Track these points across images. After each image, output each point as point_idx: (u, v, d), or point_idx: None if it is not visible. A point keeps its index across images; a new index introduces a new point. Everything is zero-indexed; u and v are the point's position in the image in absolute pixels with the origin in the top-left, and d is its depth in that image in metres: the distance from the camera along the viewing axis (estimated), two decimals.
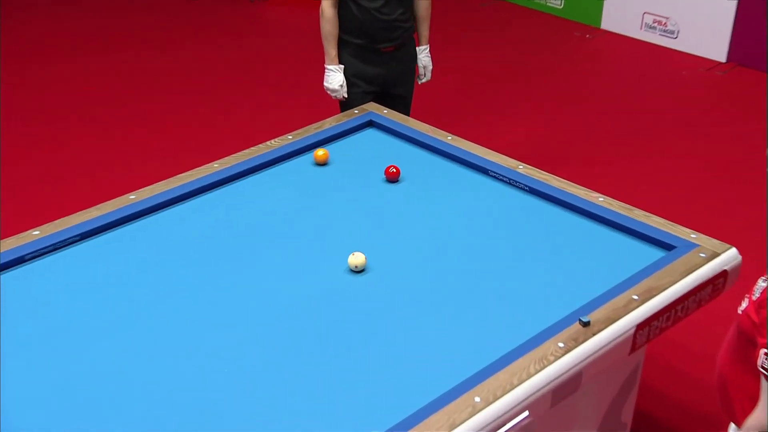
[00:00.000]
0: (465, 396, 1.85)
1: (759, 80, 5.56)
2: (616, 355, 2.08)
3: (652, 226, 2.44)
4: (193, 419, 1.85)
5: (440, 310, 2.16)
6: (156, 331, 2.10)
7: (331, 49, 3.38)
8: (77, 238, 2.46)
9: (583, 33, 6.43)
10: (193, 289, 2.26)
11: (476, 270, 2.32)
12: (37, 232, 2.44)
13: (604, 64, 6.01)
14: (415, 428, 1.77)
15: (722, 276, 2.29)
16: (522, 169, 2.76)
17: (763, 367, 1.81)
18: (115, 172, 4.59)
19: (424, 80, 3.64)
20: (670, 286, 2.19)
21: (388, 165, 2.78)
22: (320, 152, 2.85)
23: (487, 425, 1.81)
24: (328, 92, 3.45)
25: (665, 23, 6.07)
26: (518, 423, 1.85)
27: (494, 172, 2.76)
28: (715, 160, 4.65)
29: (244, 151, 2.92)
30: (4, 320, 2.11)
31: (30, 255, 2.36)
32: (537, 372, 1.92)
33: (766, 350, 1.80)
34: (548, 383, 1.92)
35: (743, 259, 2.35)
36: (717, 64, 5.82)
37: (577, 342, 2.00)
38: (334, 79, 3.40)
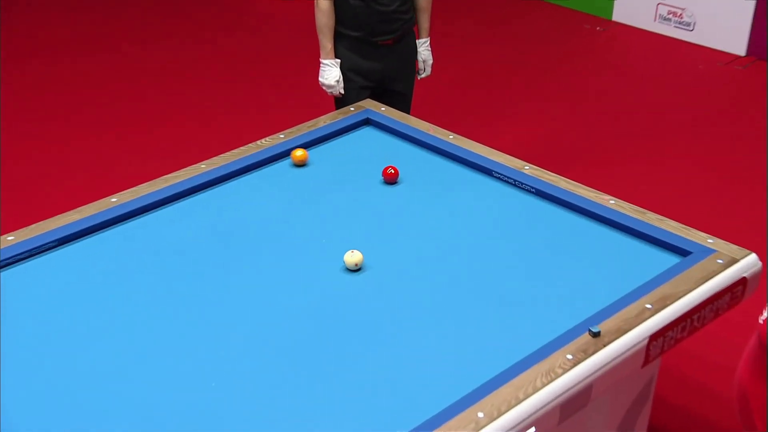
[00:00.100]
0: (467, 411, 1.85)
1: None
2: (629, 368, 2.08)
3: (666, 231, 2.44)
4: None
5: (442, 319, 2.16)
6: (137, 343, 2.10)
7: (326, 43, 3.38)
8: (54, 243, 2.45)
9: (593, 25, 6.43)
10: (178, 298, 2.25)
11: (479, 277, 2.32)
12: (11, 238, 2.44)
13: (616, 58, 6.01)
14: None
15: (741, 283, 2.29)
16: (528, 169, 2.76)
17: None
18: (98, 173, 4.59)
19: (423, 75, 3.64)
20: (685, 294, 2.19)
21: (386, 166, 2.78)
22: (298, 152, 2.83)
23: None
24: (324, 88, 3.45)
25: (681, 15, 6.08)
26: None
27: (498, 173, 2.76)
28: (734, 161, 4.65)
29: (233, 150, 2.92)
30: None
31: (3, 262, 2.36)
32: (544, 386, 1.92)
33: None
34: (556, 398, 1.92)
35: (764, 265, 2.35)
36: (736, 58, 5.82)
37: (587, 354, 2.00)
38: (330, 74, 3.40)
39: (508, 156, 2.85)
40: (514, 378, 1.93)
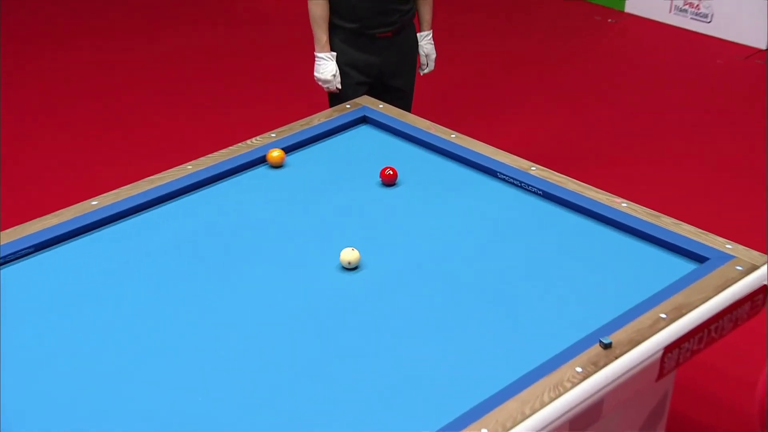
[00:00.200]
0: (471, 427, 1.85)
1: None
2: (642, 382, 2.08)
3: (682, 236, 2.44)
4: None
5: (443, 329, 2.16)
6: (120, 354, 2.10)
7: (321, 35, 3.38)
8: (31, 249, 2.45)
9: (604, 17, 6.44)
10: (164, 308, 2.25)
11: (483, 284, 2.32)
12: None
13: (629, 52, 6.02)
14: None
15: (762, 292, 2.29)
16: (534, 170, 2.76)
17: None
18: (78, 174, 4.59)
19: (426, 70, 3.64)
20: (702, 303, 2.19)
21: (384, 166, 2.78)
22: (275, 153, 2.82)
23: None
24: (319, 83, 3.45)
25: (697, 6, 6.08)
26: None
27: (503, 174, 2.76)
28: (755, 161, 4.65)
29: (222, 150, 2.92)
30: None
31: None
32: (552, 400, 1.92)
33: None
34: (565, 413, 1.92)
35: None
36: (756, 52, 5.83)
37: (598, 366, 2.00)
38: (326, 68, 3.40)
39: (513, 156, 2.85)
40: (520, 392, 1.93)
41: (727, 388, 3.21)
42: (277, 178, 2.82)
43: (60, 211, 2.60)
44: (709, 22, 6.06)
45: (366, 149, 2.98)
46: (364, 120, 3.14)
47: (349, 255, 2.36)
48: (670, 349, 2.10)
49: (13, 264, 2.41)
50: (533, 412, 1.89)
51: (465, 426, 1.85)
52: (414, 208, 2.66)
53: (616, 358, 2.03)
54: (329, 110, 3.19)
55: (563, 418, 1.91)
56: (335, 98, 3.47)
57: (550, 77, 5.60)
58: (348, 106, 3.19)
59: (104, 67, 5.77)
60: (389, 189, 2.76)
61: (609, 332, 2.09)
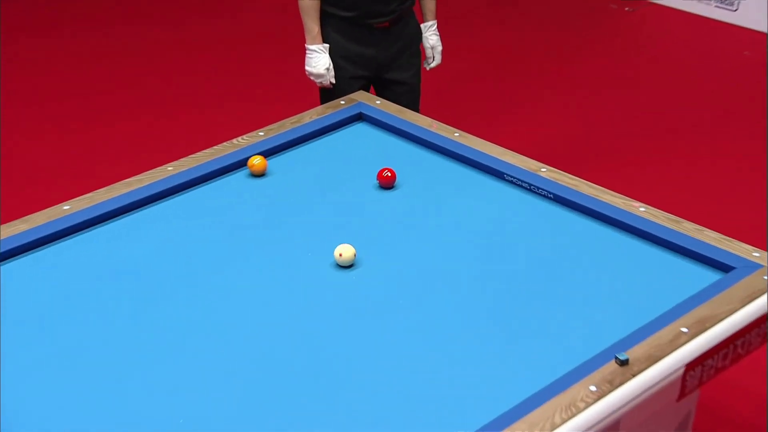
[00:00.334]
0: None
1: None
2: (662, 401, 2.08)
3: (705, 243, 2.44)
4: None
5: (446, 344, 2.16)
6: (101, 364, 2.10)
7: (312, 25, 3.38)
8: None
9: (621, 5, 6.46)
10: (143, 322, 2.25)
11: (489, 295, 2.32)
12: None
13: (647, 43, 6.03)
14: None
15: None
16: (545, 172, 2.76)
17: None
18: (48, 176, 4.59)
19: (433, 64, 3.63)
20: (727, 316, 2.19)
21: (382, 168, 2.78)
22: (255, 160, 2.80)
23: None
24: (311, 78, 3.45)
25: None
26: None
27: (511, 176, 2.77)
28: None
29: (206, 150, 2.92)
30: None
31: None
32: (564, 422, 1.92)
33: None
34: None
35: None
36: None
37: (613, 385, 2.00)
38: (319, 61, 3.40)
39: (521, 156, 2.85)
40: (530, 413, 1.93)
41: (754, 409, 3.21)
42: (266, 179, 2.82)
43: (29, 216, 2.60)
44: (735, 11, 6.07)
45: (362, 149, 2.98)
46: (359, 117, 3.15)
47: (344, 251, 2.38)
48: (692, 366, 2.10)
49: None
50: None
51: None
52: (414, 212, 2.66)
53: (634, 375, 2.02)
54: (322, 107, 3.19)
55: None
56: (328, 94, 3.47)
57: (562, 71, 5.61)
58: (342, 102, 3.19)
59: (72, 62, 5.77)
60: (387, 192, 2.76)
61: (625, 348, 2.09)
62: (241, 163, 2.87)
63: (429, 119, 3.08)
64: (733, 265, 2.36)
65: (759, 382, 3.27)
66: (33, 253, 2.50)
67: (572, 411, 1.94)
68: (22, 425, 1.94)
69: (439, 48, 3.60)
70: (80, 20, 6.28)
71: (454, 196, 2.73)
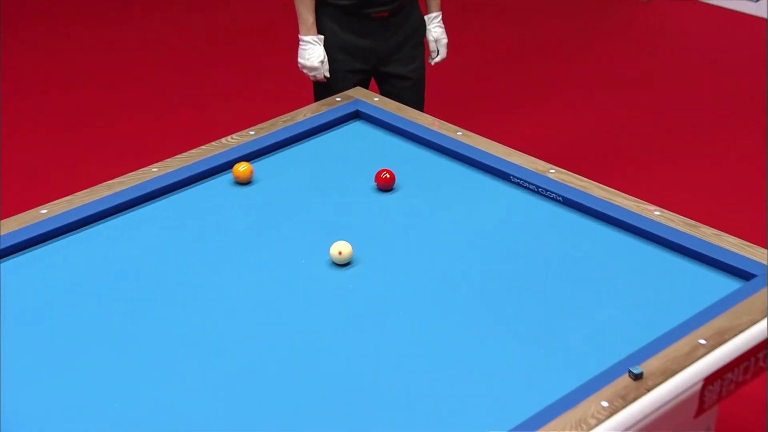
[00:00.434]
0: None
1: None
2: (679, 418, 2.08)
3: (724, 249, 2.44)
4: None
5: (449, 356, 2.16)
6: (73, 387, 2.10)
7: (307, 15, 3.38)
8: None
9: None
10: (127, 331, 2.25)
11: (494, 305, 2.32)
12: None
13: (665, 36, 6.03)
14: None
15: None
16: (554, 173, 2.76)
17: None
18: (25, 178, 4.59)
19: (438, 59, 3.62)
20: (748, 327, 2.19)
21: (380, 169, 2.78)
22: (241, 167, 2.78)
23: None
24: (305, 71, 3.45)
25: None
26: None
27: (518, 178, 2.77)
28: None
29: (193, 150, 2.92)
30: None
31: None
32: None
33: None
34: None
35: None
36: None
37: (626, 400, 2.00)
38: (313, 53, 3.40)
39: (529, 157, 2.85)
40: (538, 430, 1.92)
41: None
42: (257, 182, 2.81)
43: (4, 220, 2.60)
44: (758, 1, 6.07)
45: (359, 149, 2.98)
46: (356, 115, 3.15)
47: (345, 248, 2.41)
48: (710, 380, 2.10)
49: None
50: None
51: None
52: (414, 216, 2.66)
53: (648, 390, 2.02)
54: (316, 104, 3.19)
55: None
56: (322, 89, 3.47)
57: (572, 66, 5.61)
58: (338, 99, 3.19)
59: (51, 58, 5.76)
60: (386, 195, 2.76)
61: (640, 361, 2.09)
62: (231, 164, 2.86)
63: (430, 117, 3.08)
64: (754, 272, 2.36)
65: None
66: (6, 260, 2.49)
67: (583, 428, 1.93)
68: None
69: (444, 41, 3.59)
70: (57, 15, 6.28)
71: (456, 199, 2.73)
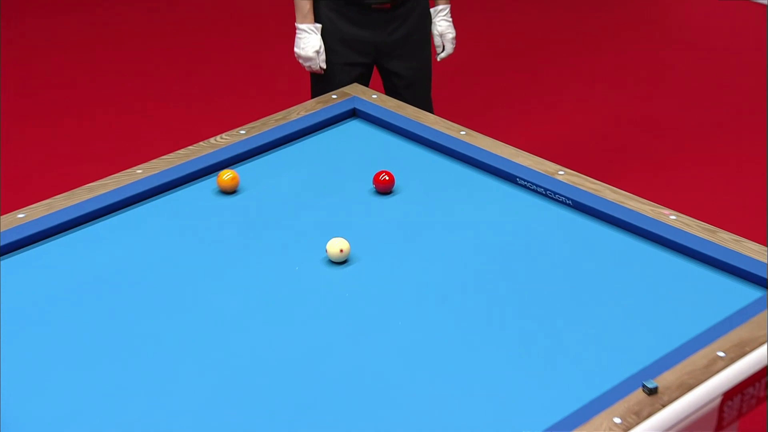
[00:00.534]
0: None
1: None
2: None
3: (744, 255, 2.44)
4: None
5: (453, 369, 2.16)
6: (60, 399, 2.10)
7: (302, 2, 3.39)
8: None
9: None
10: (108, 343, 2.25)
11: (500, 315, 2.32)
12: None
13: (685, 29, 6.03)
14: None
15: None
16: (563, 175, 2.76)
17: None
18: (3, 181, 4.58)
19: (443, 55, 3.62)
20: None
21: (378, 171, 2.78)
22: (226, 175, 2.77)
23: None
24: (300, 61, 3.46)
25: None
26: None
27: (525, 180, 2.77)
28: None
29: (180, 151, 2.93)
30: None
31: None
32: None
33: None
34: None
35: None
36: None
37: (640, 417, 1.99)
38: (308, 42, 3.41)
39: (537, 157, 2.85)
40: None
41: None
42: (247, 184, 2.81)
43: None
44: None
45: (356, 149, 2.99)
46: (353, 113, 3.15)
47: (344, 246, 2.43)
48: (730, 395, 2.10)
49: None
50: None
51: None
52: (415, 221, 2.66)
53: (663, 406, 2.02)
54: (312, 101, 3.19)
55: None
56: (319, 83, 3.47)
57: (585, 60, 5.61)
58: (334, 96, 3.19)
59: (26, 52, 5.75)
60: (384, 198, 2.76)
61: (654, 374, 2.08)
62: (220, 166, 2.87)
63: (432, 115, 3.08)
64: None
65: None
66: None
67: None
68: None
69: (450, 36, 3.58)
70: (35, 8, 6.28)
71: (460, 203, 2.73)
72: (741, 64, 5.54)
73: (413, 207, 2.72)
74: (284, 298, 2.38)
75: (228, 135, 3.00)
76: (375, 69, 3.62)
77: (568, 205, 2.69)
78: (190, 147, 2.94)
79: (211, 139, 2.98)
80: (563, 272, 2.45)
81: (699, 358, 2.13)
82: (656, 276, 2.43)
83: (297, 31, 3.42)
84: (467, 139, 2.94)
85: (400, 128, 3.03)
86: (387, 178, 2.76)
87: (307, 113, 3.10)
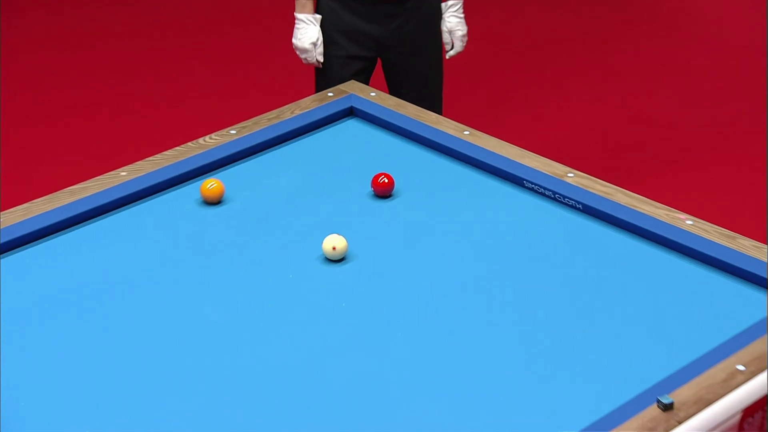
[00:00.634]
0: None
1: None
2: None
3: (765, 263, 2.43)
4: None
5: (457, 382, 2.15)
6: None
7: None
8: None
9: None
10: (90, 353, 2.25)
11: (507, 325, 2.31)
12: None
13: (698, 21, 6.04)
14: None
15: None
16: (573, 178, 2.76)
17: None
18: None
19: (452, 52, 3.63)
20: None
21: (377, 173, 2.78)
22: (209, 184, 2.74)
23: None
24: (297, 53, 3.47)
25: None
26: None
27: (532, 183, 2.76)
28: None
29: (167, 152, 2.93)
30: None
31: None
32: None
33: None
34: None
35: None
36: None
37: None
38: (305, 33, 3.42)
39: (545, 159, 2.85)
40: None
41: None
42: (237, 188, 2.81)
43: None
44: None
45: (353, 150, 2.99)
46: (350, 112, 3.15)
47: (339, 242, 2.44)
48: (750, 411, 2.09)
49: None
50: None
51: None
52: (416, 227, 2.66)
53: (680, 422, 2.02)
54: (306, 100, 3.19)
55: None
56: (322, 76, 3.49)
57: (595, 56, 5.62)
58: (330, 94, 3.19)
59: (7, 49, 5.76)
60: (384, 202, 2.76)
61: (670, 389, 2.08)
62: (209, 167, 2.87)
63: (434, 114, 3.08)
64: None
65: None
66: None
67: None
68: None
69: (459, 33, 3.57)
70: (11, 3, 6.30)
71: (463, 207, 2.73)
72: (758, 60, 5.54)
73: (414, 212, 2.72)
74: (277, 308, 2.38)
75: (218, 135, 2.99)
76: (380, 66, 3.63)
77: (578, 209, 2.69)
78: (177, 148, 2.94)
79: (200, 140, 2.97)
80: (572, 281, 2.45)
81: (717, 371, 2.13)
82: (672, 285, 2.43)
83: (296, 21, 3.43)
84: (471, 140, 2.94)
85: (400, 128, 3.03)
86: (386, 180, 2.76)
87: (302, 112, 3.10)
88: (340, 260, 2.50)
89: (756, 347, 2.19)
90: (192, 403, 2.11)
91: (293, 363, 2.23)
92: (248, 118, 3.09)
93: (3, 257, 2.55)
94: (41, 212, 2.66)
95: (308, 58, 3.45)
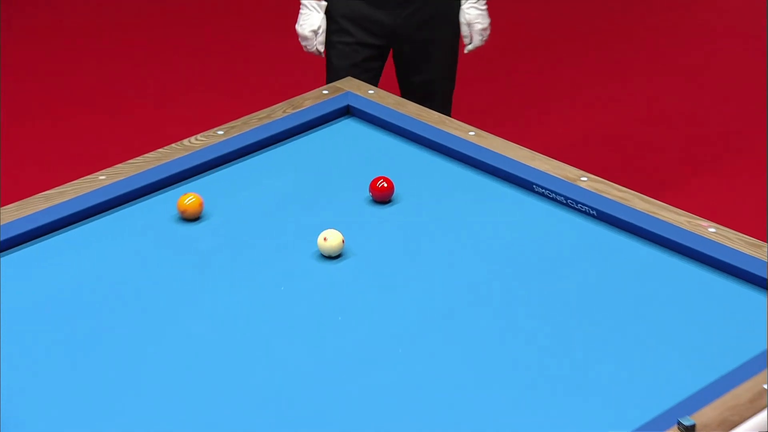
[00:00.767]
0: None
1: None
2: None
3: None
4: None
5: (469, 399, 2.16)
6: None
7: None
8: None
9: None
10: (72, 365, 2.25)
11: (517, 339, 2.31)
12: None
13: (727, 19, 6.04)
14: None
15: None
16: (586, 182, 2.76)
17: None
18: None
19: (470, 47, 3.63)
20: None
21: (375, 177, 2.78)
22: (187, 199, 2.71)
23: None
24: (299, 40, 3.49)
25: None
26: None
27: (542, 188, 2.76)
28: None
29: (149, 154, 2.93)
30: None
31: None
32: None
33: None
34: None
35: None
36: None
37: None
38: (307, 20, 3.44)
39: (556, 162, 2.86)
40: None
41: None
42: (226, 192, 2.82)
43: None
44: None
45: (350, 152, 2.99)
46: (347, 111, 3.15)
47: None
48: None
49: None
50: None
51: None
52: (417, 233, 2.67)
53: None
54: (299, 98, 3.19)
55: None
56: (330, 68, 3.50)
57: (617, 52, 5.62)
58: (325, 91, 3.19)
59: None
60: (382, 207, 2.76)
61: (692, 410, 2.08)
62: (194, 171, 2.87)
63: (437, 114, 3.08)
64: None
65: None
66: None
67: None
68: None
69: (479, 26, 3.56)
70: None
71: (468, 213, 2.73)
72: None
73: (415, 218, 2.72)
74: (269, 318, 2.38)
75: (204, 136, 2.99)
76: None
77: (592, 215, 2.69)
78: (160, 150, 2.94)
79: (185, 141, 2.98)
80: (586, 293, 2.45)
81: (743, 391, 2.12)
82: (693, 297, 2.43)
83: (300, 7, 3.44)
84: (477, 141, 2.94)
85: (400, 128, 3.03)
86: (385, 185, 2.76)
87: (294, 111, 3.10)
88: (337, 257, 2.51)
89: None
90: (188, 406, 2.14)
91: (290, 372, 2.24)
92: (237, 118, 3.08)
93: None
94: (12, 219, 2.65)
95: (308, 46, 3.48)
